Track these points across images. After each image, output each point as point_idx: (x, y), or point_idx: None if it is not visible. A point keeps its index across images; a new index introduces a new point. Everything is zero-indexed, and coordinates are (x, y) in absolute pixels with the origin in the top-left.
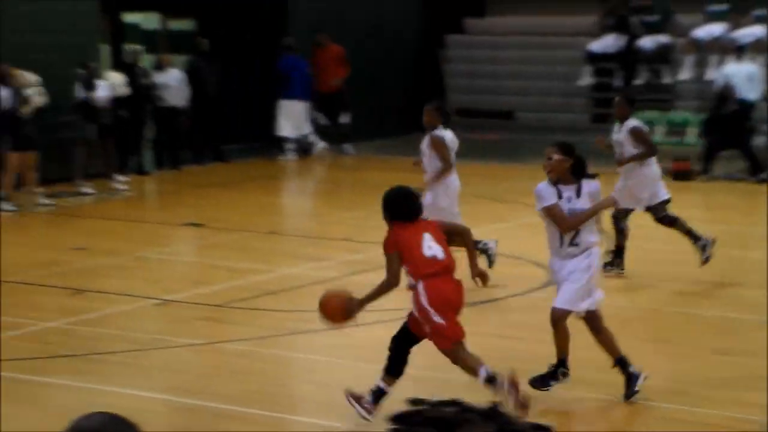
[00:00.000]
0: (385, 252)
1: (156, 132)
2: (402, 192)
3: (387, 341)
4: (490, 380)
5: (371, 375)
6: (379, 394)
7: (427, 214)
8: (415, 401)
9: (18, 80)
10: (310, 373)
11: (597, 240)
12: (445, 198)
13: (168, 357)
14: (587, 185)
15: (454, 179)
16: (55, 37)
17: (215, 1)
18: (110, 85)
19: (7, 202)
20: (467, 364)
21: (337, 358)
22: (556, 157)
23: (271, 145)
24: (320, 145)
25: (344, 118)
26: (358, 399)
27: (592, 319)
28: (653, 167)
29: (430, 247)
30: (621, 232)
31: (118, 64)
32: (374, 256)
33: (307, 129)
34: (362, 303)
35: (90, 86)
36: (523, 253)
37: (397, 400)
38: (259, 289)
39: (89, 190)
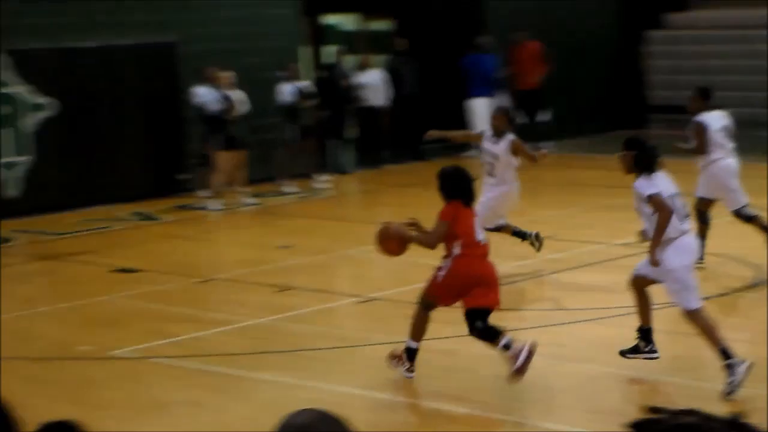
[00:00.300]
0: (439, 217)
1: (357, 132)
2: (463, 175)
3: (595, 341)
4: (507, 346)
5: (580, 375)
6: (412, 352)
7: None
8: (654, 409)
9: (223, 83)
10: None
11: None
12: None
13: (372, 354)
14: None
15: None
16: (258, 41)
17: (413, 1)
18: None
19: (216, 201)
20: (418, 323)
21: (544, 357)
22: (623, 152)
23: (468, 144)
24: None
25: (543, 116)
26: (398, 359)
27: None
28: (726, 161)
29: (480, 233)
30: (705, 223)
31: (319, 66)
32: (578, 255)
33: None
34: (411, 239)
35: (289, 88)
36: (729, 251)
37: (632, 407)
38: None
39: (292, 190)
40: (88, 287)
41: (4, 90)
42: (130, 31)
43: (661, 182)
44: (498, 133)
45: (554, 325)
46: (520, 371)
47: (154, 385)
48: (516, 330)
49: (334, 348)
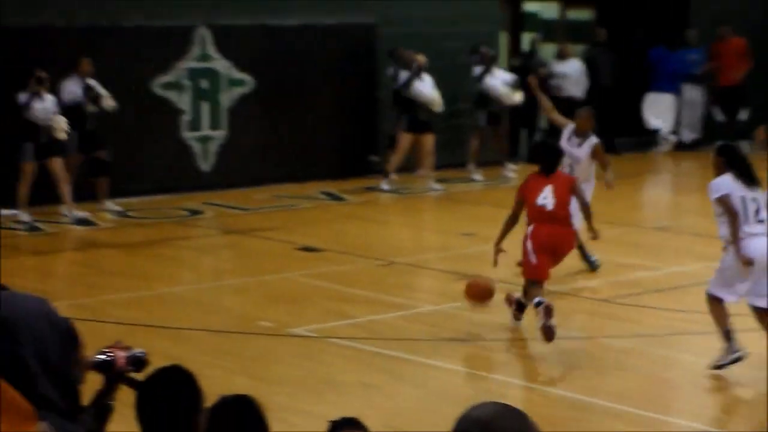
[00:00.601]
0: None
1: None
2: (547, 147)
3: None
4: (537, 303)
5: (755, 383)
6: (521, 305)
7: None
8: None
9: (408, 59)
10: (690, 375)
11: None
12: None
13: (549, 348)
14: None
15: None
16: (458, 25)
17: None
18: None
19: (389, 182)
20: (529, 297)
21: (715, 361)
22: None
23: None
24: (671, 139)
25: (743, 115)
26: (511, 302)
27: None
28: None
29: (545, 197)
30: None
31: (517, 53)
32: None
33: (670, 123)
34: (497, 243)
35: (485, 73)
36: None
37: None
38: (645, 285)
39: (479, 177)
40: (272, 263)
41: (204, 64)
42: (331, 10)
43: (730, 184)
44: (581, 134)
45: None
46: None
47: (329, 364)
48: (700, 334)
49: (512, 340)
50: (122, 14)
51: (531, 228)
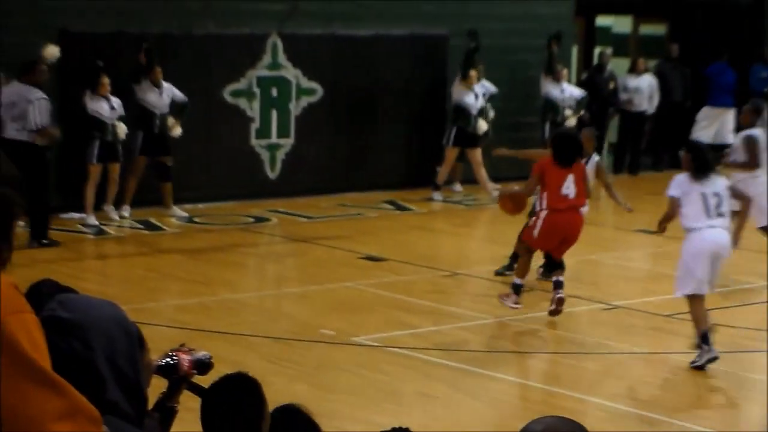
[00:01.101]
0: (533, 170)
1: (618, 136)
2: (568, 139)
3: None
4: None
5: None
6: (518, 288)
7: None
8: None
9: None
10: (752, 393)
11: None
12: None
13: (611, 363)
14: None
15: None
16: (531, 38)
17: (690, 6)
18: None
19: (439, 193)
20: (521, 265)
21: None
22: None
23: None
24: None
25: None
26: (506, 296)
27: None
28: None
29: (568, 187)
30: None
31: (588, 67)
32: None
33: (730, 139)
34: (518, 193)
35: (554, 84)
36: None
37: None
38: (709, 302)
39: None
40: (336, 272)
41: (275, 72)
42: (403, 21)
43: (684, 182)
44: (584, 154)
45: None
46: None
47: (390, 374)
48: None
49: (574, 353)
50: (194, 22)
51: (546, 213)
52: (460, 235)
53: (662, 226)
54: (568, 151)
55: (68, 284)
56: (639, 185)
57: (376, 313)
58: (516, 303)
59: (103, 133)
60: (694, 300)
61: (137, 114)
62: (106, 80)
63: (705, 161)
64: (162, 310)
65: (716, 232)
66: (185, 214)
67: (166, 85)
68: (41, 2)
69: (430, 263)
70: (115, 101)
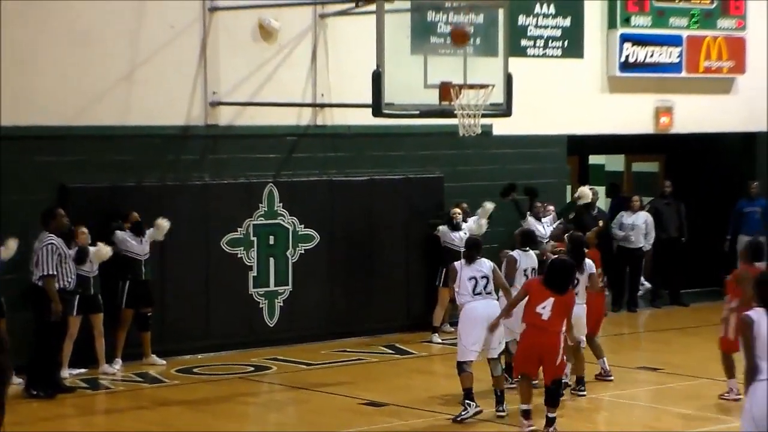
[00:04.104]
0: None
1: (615, 273)
2: (563, 268)
3: None
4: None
5: None
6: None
7: None
8: None
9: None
10: None
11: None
12: None
13: None
14: None
15: None
16: (524, 179)
17: (682, 144)
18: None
19: (438, 335)
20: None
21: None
22: None
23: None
24: None
25: None
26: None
27: None
28: None
29: (544, 307)
30: None
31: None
32: None
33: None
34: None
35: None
36: None
37: None
38: None
39: None
40: (337, 419)
41: (271, 220)
42: (398, 165)
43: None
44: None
45: None
46: None
47: None
48: None
49: None
50: (190, 174)
51: (524, 332)
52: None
53: None
54: (559, 279)
55: None
56: (637, 322)
57: None
58: (530, 426)
59: (84, 288)
60: None
61: (120, 264)
62: (82, 230)
63: None
64: None
65: None
66: (163, 362)
67: (148, 232)
68: (40, 158)
69: (433, 407)
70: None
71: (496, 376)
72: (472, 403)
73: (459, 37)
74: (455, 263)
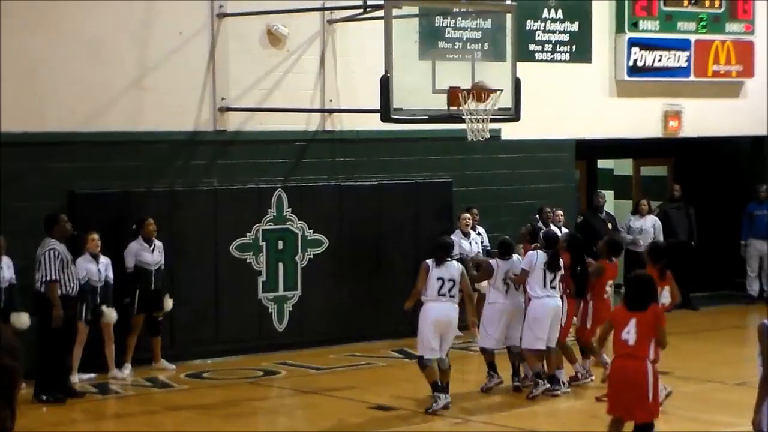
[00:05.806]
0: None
1: (624, 277)
2: (637, 281)
3: None
4: None
5: None
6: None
7: None
8: None
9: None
10: None
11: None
12: None
13: None
14: None
15: None
16: (533, 184)
17: (690, 147)
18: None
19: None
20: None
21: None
22: None
23: (739, 293)
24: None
25: None
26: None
27: None
28: None
29: (629, 331)
30: None
31: (590, 207)
32: None
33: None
34: None
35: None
36: None
37: None
38: None
39: None
40: (346, 423)
41: (280, 225)
42: (406, 170)
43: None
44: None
45: None
46: None
47: None
48: None
49: None
50: (198, 179)
51: (611, 361)
52: (467, 381)
53: None
54: (637, 293)
55: None
56: None
57: None
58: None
59: (92, 295)
60: None
61: (132, 273)
62: (92, 236)
63: None
64: None
65: None
66: (173, 367)
67: (157, 242)
68: (49, 164)
69: (442, 411)
70: (104, 262)
71: (443, 369)
72: (441, 395)
73: (479, 96)
74: (427, 261)
